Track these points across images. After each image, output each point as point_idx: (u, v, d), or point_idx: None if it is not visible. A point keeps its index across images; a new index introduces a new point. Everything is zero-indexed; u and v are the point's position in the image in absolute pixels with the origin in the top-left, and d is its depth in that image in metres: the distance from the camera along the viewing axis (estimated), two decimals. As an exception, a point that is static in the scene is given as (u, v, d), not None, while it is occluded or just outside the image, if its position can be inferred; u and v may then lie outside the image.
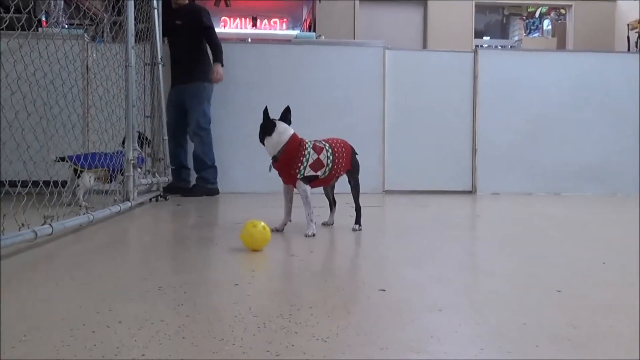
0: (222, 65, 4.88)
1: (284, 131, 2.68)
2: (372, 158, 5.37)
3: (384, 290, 1.63)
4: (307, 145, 2.68)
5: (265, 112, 2.71)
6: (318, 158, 2.68)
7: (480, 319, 1.36)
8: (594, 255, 2.34)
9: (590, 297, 1.62)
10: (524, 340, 1.21)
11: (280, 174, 2.75)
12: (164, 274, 1.88)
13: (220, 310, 1.41)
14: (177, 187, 4.86)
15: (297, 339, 1.20)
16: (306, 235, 2.62)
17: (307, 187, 2.69)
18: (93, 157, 3.62)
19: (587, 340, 1.22)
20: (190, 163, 5.03)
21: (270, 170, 2.77)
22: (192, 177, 5.08)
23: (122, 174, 3.59)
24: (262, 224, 2.25)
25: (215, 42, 4.89)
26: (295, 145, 2.66)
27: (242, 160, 5.20)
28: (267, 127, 2.70)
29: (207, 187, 4.93)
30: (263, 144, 2.74)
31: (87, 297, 1.54)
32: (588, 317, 1.40)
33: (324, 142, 2.78)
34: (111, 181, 3.71)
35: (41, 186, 2.51)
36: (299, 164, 2.64)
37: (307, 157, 2.65)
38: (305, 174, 2.66)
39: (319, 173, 2.70)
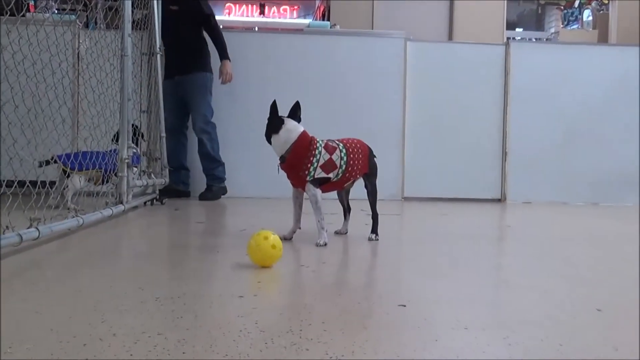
0: (230, 61, 4.93)
1: (293, 129, 2.69)
2: (391, 161, 5.37)
3: (404, 306, 1.63)
4: (318, 145, 2.69)
5: (273, 106, 2.72)
6: (330, 158, 2.68)
7: (511, 339, 1.36)
8: (635, 270, 2.33)
9: (632, 315, 1.61)
10: (560, 362, 1.21)
11: (288, 176, 2.76)
12: (162, 283, 1.89)
13: (224, 323, 1.42)
14: (176, 191, 4.89)
15: (309, 357, 1.20)
16: (317, 245, 2.63)
17: (318, 191, 2.69)
18: (84, 156, 3.64)
19: (631, 364, 1.22)
20: (191, 164, 5.06)
21: (278, 171, 2.78)
22: (192, 179, 5.11)
23: (116, 175, 3.61)
24: (273, 237, 2.12)
25: (218, 33, 4.93)
26: (304, 144, 2.66)
27: (247, 162, 5.22)
28: (274, 124, 2.71)
29: (221, 186, 5.01)
30: (270, 142, 2.75)
31: (78, 307, 1.56)
32: (630, 337, 1.39)
33: (337, 142, 2.78)
34: (104, 183, 3.73)
35: (27, 186, 2.54)
36: (309, 165, 2.64)
37: (318, 157, 2.65)
38: (315, 176, 2.66)
39: (330, 175, 2.70)
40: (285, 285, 1.97)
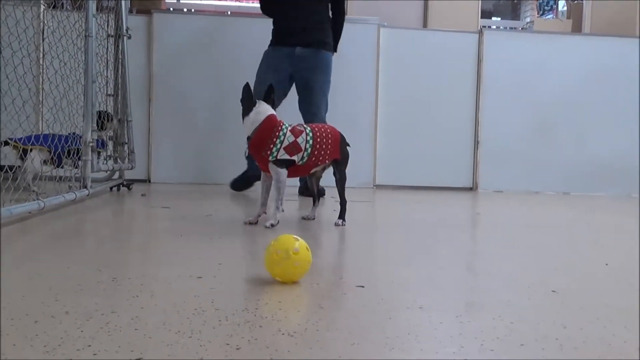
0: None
1: (262, 111, 2.76)
2: (363, 149, 5.40)
3: (363, 287, 1.67)
4: (283, 127, 2.75)
5: (246, 88, 2.79)
6: (295, 141, 2.72)
7: (464, 317, 1.40)
8: (597, 257, 2.40)
9: (587, 298, 1.66)
10: (509, 338, 1.25)
11: (254, 158, 2.81)
12: (121, 265, 1.90)
13: (179, 302, 1.44)
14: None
15: (261, 333, 1.23)
16: (265, 227, 2.68)
17: (283, 171, 2.74)
18: (37, 137, 3.60)
19: (577, 340, 1.27)
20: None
21: (246, 153, 2.83)
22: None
23: (78, 158, 3.58)
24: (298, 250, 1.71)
25: (343, 16, 4.47)
26: (270, 126, 2.72)
27: (220, 148, 5.21)
28: (246, 106, 2.79)
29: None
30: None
31: (33, 287, 1.56)
32: (581, 317, 1.45)
33: (305, 126, 2.83)
34: (58, 165, 3.68)
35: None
36: (271, 146, 2.69)
37: (282, 139, 2.70)
38: (278, 157, 2.70)
39: (294, 157, 2.74)
40: (245, 267, 1.99)
